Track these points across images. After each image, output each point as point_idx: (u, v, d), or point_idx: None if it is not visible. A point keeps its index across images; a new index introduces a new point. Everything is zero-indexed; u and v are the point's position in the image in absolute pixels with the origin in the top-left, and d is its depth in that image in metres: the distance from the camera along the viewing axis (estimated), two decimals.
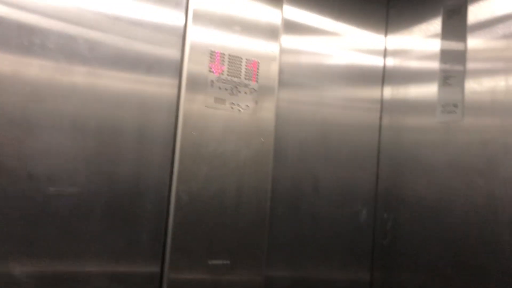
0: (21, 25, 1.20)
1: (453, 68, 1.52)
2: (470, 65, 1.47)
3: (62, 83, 1.25)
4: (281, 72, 1.59)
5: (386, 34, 1.86)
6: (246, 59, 1.50)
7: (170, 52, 1.40)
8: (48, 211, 1.22)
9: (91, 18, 1.29)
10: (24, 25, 1.20)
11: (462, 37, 1.50)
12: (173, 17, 1.41)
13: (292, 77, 1.65)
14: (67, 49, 1.25)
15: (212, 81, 1.44)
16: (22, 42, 1.20)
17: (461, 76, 1.49)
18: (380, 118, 1.84)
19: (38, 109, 1.21)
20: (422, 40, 1.70)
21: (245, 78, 1.50)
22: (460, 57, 1.50)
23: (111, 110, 1.31)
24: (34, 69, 1.21)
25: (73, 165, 1.25)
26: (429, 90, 1.62)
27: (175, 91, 1.40)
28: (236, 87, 1.48)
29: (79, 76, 1.27)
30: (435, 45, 1.62)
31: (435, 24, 1.63)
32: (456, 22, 1.54)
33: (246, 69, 1.50)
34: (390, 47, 1.85)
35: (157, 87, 1.38)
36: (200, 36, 1.43)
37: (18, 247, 1.19)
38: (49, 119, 1.23)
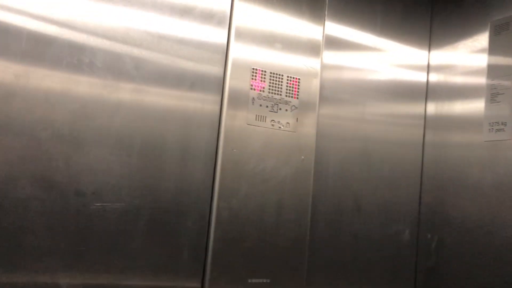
0: (71, 44, 1.24)
1: (501, 84, 1.48)
2: None
3: (109, 100, 1.28)
4: (322, 88, 1.59)
5: (429, 50, 1.83)
6: (287, 76, 1.51)
7: (212, 69, 1.42)
8: (93, 226, 1.25)
9: (137, 37, 1.33)
10: (74, 44, 1.25)
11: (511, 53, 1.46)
12: (216, 35, 1.43)
13: (333, 93, 1.64)
14: (114, 67, 1.29)
15: (253, 99, 1.45)
16: (72, 60, 1.24)
17: (511, 93, 1.44)
18: (424, 134, 1.80)
19: (85, 126, 1.25)
20: (467, 56, 1.66)
21: (286, 95, 1.50)
22: (509, 73, 1.45)
23: (156, 126, 1.33)
24: (83, 86, 1.25)
25: (118, 181, 1.28)
26: (475, 107, 1.59)
27: (217, 107, 1.42)
28: (277, 104, 1.48)
29: (125, 93, 1.30)
30: (481, 60, 1.58)
31: (481, 40, 1.60)
32: (504, 38, 1.50)
33: (287, 86, 1.50)
34: (433, 63, 1.82)
35: (199, 103, 1.40)
36: (242, 53, 1.45)
37: (65, 261, 1.21)
38: (96, 135, 1.26)
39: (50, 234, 1.20)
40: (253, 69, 1.45)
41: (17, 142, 1.17)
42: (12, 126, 1.17)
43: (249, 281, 1.41)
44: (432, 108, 1.79)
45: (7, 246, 1.16)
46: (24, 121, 1.18)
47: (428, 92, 1.81)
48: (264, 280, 1.42)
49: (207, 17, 1.42)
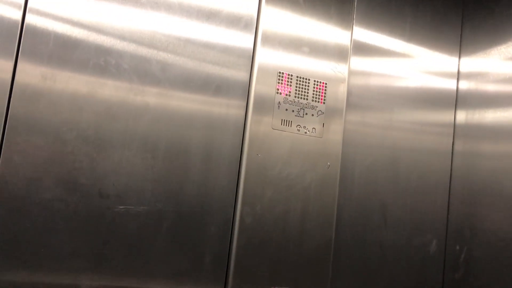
0: (98, 47, 1.24)
1: None
2: None
3: (134, 103, 1.27)
4: (349, 94, 1.55)
5: (459, 56, 1.77)
6: (314, 81, 1.47)
7: (238, 74, 1.40)
8: (116, 229, 1.23)
9: (164, 40, 1.31)
10: (100, 47, 1.24)
11: None
12: (242, 39, 1.41)
13: (360, 99, 1.60)
14: (140, 70, 1.28)
15: (279, 103, 1.42)
16: (98, 63, 1.24)
17: None
18: (453, 143, 1.73)
19: (110, 128, 1.24)
20: (500, 62, 1.60)
21: (313, 100, 1.46)
22: None
23: (180, 130, 1.32)
24: (108, 88, 1.25)
25: (142, 184, 1.26)
26: (509, 115, 1.52)
27: (242, 112, 1.39)
28: (303, 109, 1.45)
29: (150, 96, 1.29)
30: None
31: None
32: None
33: (313, 90, 1.47)
34: (463, 70, 1.75)
35: (224, 108, 1.38)
36: (269, 57, 1.42)
37: (87, 263, 1.20)
38: (121, 138, 1.25)
39: (73, 235, 1.19)
40: (280, 72, 1.43)
41: (42, 143, 1.17)
42: (38, 127, 1.17)
43: None
44: (462, 116, 1.73)
45: (30, 247, 1.15)
46: (50, 122, 1.18)
47: (458, 100, 1.75)
48: None
49: (234, 21, 1.41)
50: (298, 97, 1.45)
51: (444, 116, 1.75)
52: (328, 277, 1.46)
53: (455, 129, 1.74)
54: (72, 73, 1.21)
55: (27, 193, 1.15)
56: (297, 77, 1.45)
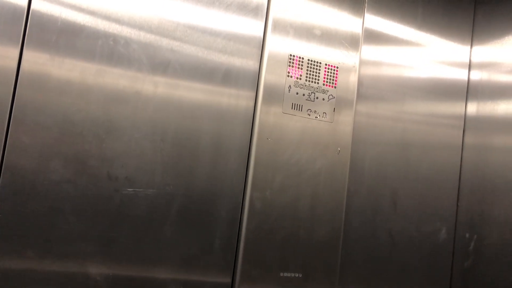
0: (105, 33, 1.15)
1: None
2: None
3: (142, 89, 1.18)
4: (359, 84, 1.45)
5: (471, 45, 1.64)
6: (326, 64, 1.37)
7: (247, 62, 1.30)
8: (125, 212, 1.16)
9: (171, 27, 1.22)
10: (107, 33, 1.16)
11: None
12: (252, 26, 1.31)
13: (371, 89, 1.49)
14: (147, 56, 1.19)
15: (289, 86, 1.32)
16: (105, 48, 1.15)
17: None
18: (463, 135, 1.61)
19: (119, 110, 1.16)
20: None
21: (324, 84, 1.36)
22: None
23: (189, 115, 1.23)
24: (116, 73, 1.16)
25: (151, 167, 1.18)
26: None
27: (251, 101, 1.30)
28: (314, 93, 1.35)
29: (158, 83, 1.20)
30: None
31: None
32: None
33: (325, 74, 1.36)
34: (475, 59, 1.63)
35: (234, 97, 1.28)
36: (279, 44, 1.32)
37: (95, 246, 1.13)
38: (130, 120, 1.17)
39: (81, 218, 1.11)
40: (290, 55, 1.33)
41: (51, 124, 1.09)
42: (46, 109, 1.09)
43: (281, 274, 1.29)
44: (473, 108, 1.60)
45: (37, 229, 1.08)
46: (58, 104, 1.10)
47: (469, 91, 1.63)
48: (297, 275, 1.30)
49: (243, 8, 1.31)
50: (309, 81, 1.34)
51: (455, 108, 1.64)
52: (337, 263, 1.37)
53: (466, 121, 1.63)
54: (79, 58, 1.12)
55: (35, 173, 1.08)
56: (308, 60, 1.35)
